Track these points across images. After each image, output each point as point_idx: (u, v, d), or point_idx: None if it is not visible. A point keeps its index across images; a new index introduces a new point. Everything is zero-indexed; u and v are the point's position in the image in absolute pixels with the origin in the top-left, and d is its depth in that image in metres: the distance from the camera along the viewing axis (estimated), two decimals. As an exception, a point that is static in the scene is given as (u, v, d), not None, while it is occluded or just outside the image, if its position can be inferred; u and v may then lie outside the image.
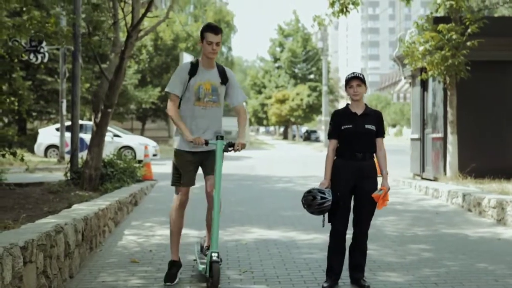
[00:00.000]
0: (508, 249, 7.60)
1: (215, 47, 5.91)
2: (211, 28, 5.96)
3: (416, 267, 6.59)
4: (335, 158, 5.73)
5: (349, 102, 5.83)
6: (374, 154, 5.76)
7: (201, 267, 5.89)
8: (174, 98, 6.00)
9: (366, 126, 5.65)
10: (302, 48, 75.15)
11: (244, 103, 6.42)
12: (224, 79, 6.08)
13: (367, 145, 5.66)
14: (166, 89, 6.06)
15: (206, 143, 5.81)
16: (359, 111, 5.72)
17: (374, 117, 5.75)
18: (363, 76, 5.74)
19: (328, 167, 5.71)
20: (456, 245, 7.80)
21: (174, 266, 6.00)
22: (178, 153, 6.08)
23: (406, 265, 6.67)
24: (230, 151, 5.88)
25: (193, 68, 6.01)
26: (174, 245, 6.15)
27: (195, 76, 5.98)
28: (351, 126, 5.64)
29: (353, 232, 5.74)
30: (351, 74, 5.76)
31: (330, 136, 5.77)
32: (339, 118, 5.74)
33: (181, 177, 6.05)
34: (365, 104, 5.80)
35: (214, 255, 5.45)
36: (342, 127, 5.66)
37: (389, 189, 5.65)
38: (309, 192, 5.60)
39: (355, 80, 5.68)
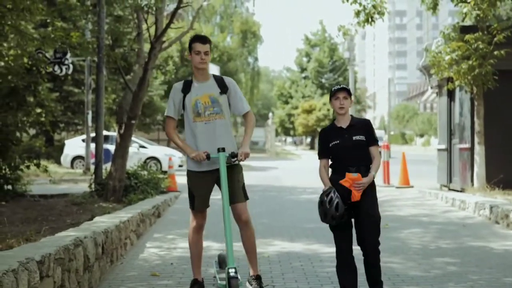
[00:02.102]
0: (536, 263, 7.42)
1: (203, 56, 5.75)
2: (198, 38, 5.84)
3: (441, 281, 6.43)
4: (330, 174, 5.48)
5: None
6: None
7: (221, 283, 5.80)
8: (168, 120, 5.96)
9: (354, 138, 5.39)
10: (329, 58, 75.00)
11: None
12: (224, 88, 5.88)
13: (360, 158, 5.37)
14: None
15: (208, 157, 5.67)
16: (344, 124, 5.47)
17: (362, 126, 5.48)
18: (349, 89, 5.52)
19: (325, 177, 5.48)
20: (482, 259, 7.62)
21: (196, 284, 5.92)
22: (189, 175, 5.95)
23: (430, 279, 6.52)
24: (234, 162, 5.72)
25: (186, 85, 5.89)
26: (195, 267, 6.02)
27: (189, 93, 5.84)
28: (338, 141, 5.40)
29: (362, 251, 5.40)
30: (337, 85, 5.54)
31: (319, 155, 5.55)
32: (326, 135, 5.51)
33: (194, 200, 5.91)
34: (351, 116, 5.55)
35: (232, 271, 5.35)
36: (330, 144, 5.43)
37: (362, 183, 5.22)
38: (319, 205, 5.33)
39: (342, 92, 5.44)
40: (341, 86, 5.51)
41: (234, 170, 5.84)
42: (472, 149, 14.72)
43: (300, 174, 26.17)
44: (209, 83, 5.90)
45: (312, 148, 79.57)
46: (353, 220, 5.42)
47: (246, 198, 5.93)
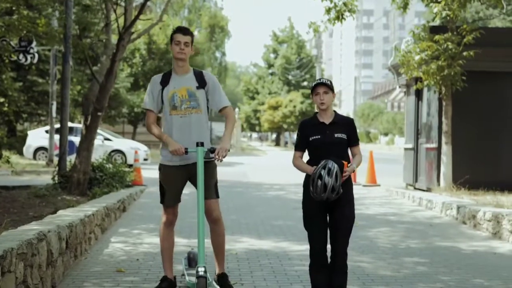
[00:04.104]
0: (504, 264, 7.42)
1: (182, 46, 5.64)
2: (179, 29, 5.74)
3: (411, 281, 6.39)
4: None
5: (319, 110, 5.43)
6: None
7: (190, 282, 5.65)
8: (148, 113, 5.82)
9: (336, 135, 5.25)
10: (296, 55, 75.07)
11: (236, 109, 6.07)
12: (202, 82, 5.76)
13: (339, 155, 5.19)
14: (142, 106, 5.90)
15: (186, 151, 5.52)
16: (327, 120, 5.31)
17: (344, 124, 5.34)
18: (330, 82, 5.35)
19: (304, 164, 5.30)
20: (451, 259, 7.61)
21: (166, 281, 5.74)
22: (161, 168, 5.82)
23: (400, 279, 6.47)
24: (211, 158, 5.57)
25: (165, 78, 5.77)
26: (166, 263, 5.85)
27: (167, 85, 5.72)
28: (319, 136, 5.25)
29: (331, 251, 5.29)
30: (317, 80, 5.37)
31: (297, 147, 5.39)
32: (306, 129, 5.35)
33: (165, 195, 5.78)
34: (334, 111, 5.40)
35: (201, 269, 5.21)
36: (310, 138, 5.27)
37: (346, 171, 5.10)
38: (315, 181, 5.01)
39: (322, 87, 5.27)
40: (321, 80, 5.35)
41: (208, 167, 5.68)
42: (439, 149, 14.79)
43: (266, 171, 26.11)
44: (188, 77, 5.78)
45: (277, 144, 79.73)
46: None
47: (217, 196, 5.80)
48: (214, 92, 5.81)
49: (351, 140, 5.35)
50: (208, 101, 5.81)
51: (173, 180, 5.74)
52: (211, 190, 5.70)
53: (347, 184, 5.23)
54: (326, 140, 5.24)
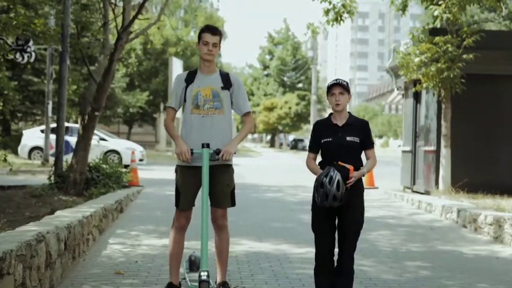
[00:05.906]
0: (507, 268, 7.36)
1: (211, 47, 5.50)
2: (209, 28, 5.59)
3: (413, 285, 6.32)
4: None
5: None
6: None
7: (192, 286, 5.53)
8: (169, 111, 5.67)
9: (348, 138, 5.11)
10: (291, 57, 75.11)
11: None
12: (227, 83, 5.60)
13: (351, 159, 5.07)
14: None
15: (192, 152, 5.40)
16: (340, 122, 5.19)
17: (358, 127, 5.20)
18: (347, 83, 5.21)
19: (315, 167, 5.22)
20: (453, 263, 7.53)
21: None
22: (177, 169, 5.64)
23: (403, 284, 6.39)
24: (217, 159, 5.42)
25: (190, 75, 5.63)
26: (173, 269, 5.66)
27: (192, 83, 5.57)
28: (330, 139, 5.13)
29: (338, 254, 5.21)
30: (333, 80, 5.23)
31: (310, 148, 5.32)
32: (319, 130, 5.26)
33: (179, 198, 5.59)
34: (349, 113, 5.27)
35: (204, 274, 5.10)
36: (322, 140, 5.17)
37: (352, 176, 4.99)
38: (318, 189, 4.96)
39: (338, 88, 5.14)
40: (338, 81, 5.21)
41: (225, 172, 5.55)
42: (437, 151, 14.73)
43: (263, 172, 26.03)
44: (214, 77, 5.63)
45: (272, 146, 79.64)
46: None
47: (233, 204, 5.64)
48: (239, 95, 5.66)
49: (365, 143, 5.22)
50: (232, 103, 5.67)
51: (188, 182, 5.54)
52: (225, 198, 5.56)
53: (357, 188, 5.12)
54: (338, 143, 5.12)
